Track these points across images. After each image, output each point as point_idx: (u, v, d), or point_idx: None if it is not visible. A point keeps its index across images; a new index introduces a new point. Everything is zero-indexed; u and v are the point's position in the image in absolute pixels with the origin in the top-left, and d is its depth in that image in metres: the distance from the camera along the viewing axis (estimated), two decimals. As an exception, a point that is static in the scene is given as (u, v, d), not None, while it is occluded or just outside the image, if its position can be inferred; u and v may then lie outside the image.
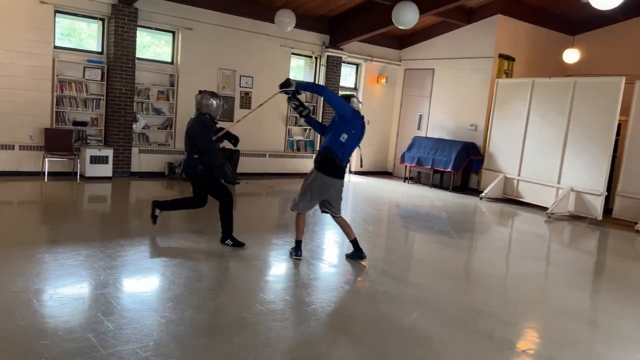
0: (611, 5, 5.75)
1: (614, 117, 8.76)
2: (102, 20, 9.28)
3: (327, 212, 5.25)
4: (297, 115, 6.63)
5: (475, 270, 5.89)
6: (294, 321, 3.78)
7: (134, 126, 9.53)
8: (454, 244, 7.01)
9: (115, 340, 3.18)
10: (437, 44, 12.48)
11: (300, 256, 5.28)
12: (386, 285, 4.78)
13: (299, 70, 12.15)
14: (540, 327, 4.29)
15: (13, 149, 8.56)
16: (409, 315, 4.07)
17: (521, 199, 10.31)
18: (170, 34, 10.10)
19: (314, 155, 5.35)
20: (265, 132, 11.42)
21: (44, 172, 8.63)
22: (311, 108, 5.30)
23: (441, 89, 12.48)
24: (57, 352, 2.97)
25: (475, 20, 11.66)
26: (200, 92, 5.56)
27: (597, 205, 8.97)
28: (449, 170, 11.29)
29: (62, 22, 9.06)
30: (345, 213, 8.50)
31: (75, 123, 9.10)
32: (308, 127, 12.15)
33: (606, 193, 8.98)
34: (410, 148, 12.28)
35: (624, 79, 8.69)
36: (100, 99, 9.27)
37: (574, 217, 9.31)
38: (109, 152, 9.04)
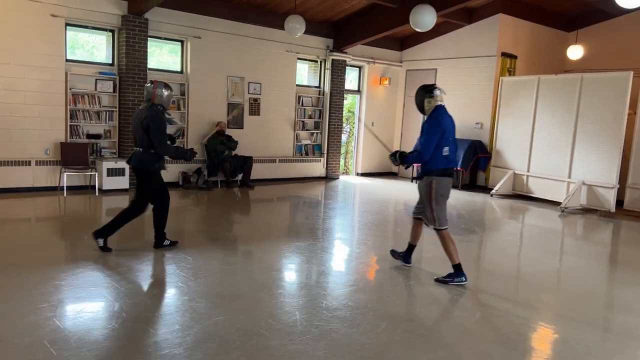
0: (636, 4, 5.89)
1: (623, 111, 8.96)
2: (112, 31, 9.23)
3: (419, 219, 5.14)
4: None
5: (518, 268, 5.98)
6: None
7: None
8: (484, 242, 7.12)
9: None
10: (439, 45, 12.61)
11: (466, 280, 4.89)
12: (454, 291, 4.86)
13: (305, 74, 12.19)
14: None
15: (29, 164, 8.47)
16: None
17: (531, 195, 10.48)
18: (179, 43, 10.08)
19: (418, 174, 5.13)
20: (274, 138, 11.45)
21: (60, 187, 8.56)
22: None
23: (445, 89, 12.51)
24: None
25: (477, 20, 11.82)
26: (152, 82, 5.37)
27: (610, 197, 9.16)
28: (457, 168, 11.41)
29: (72, 34, 8.99)
30: (367, 215, 8.62)
31: (89, 136, 9.04)
32: (315, 131, 12.22)
33: (618, 186, 9.18)
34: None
35: (631, 73, 8.89)
36: (113, 111, 9.22)
37: (586, 211, 9.49)
38: (125, 164, 8.98)
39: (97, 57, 9.38)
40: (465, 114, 12.13)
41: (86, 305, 4.03)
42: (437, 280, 4.95)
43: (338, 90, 12.20)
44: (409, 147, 12.98)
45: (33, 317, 3.68)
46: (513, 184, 10.86)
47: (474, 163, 11.54)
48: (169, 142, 5.47)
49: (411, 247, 5.36)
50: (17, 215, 7.18)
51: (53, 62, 8.53)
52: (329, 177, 12.37)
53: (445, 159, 4.83)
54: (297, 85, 11.77)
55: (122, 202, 8.53)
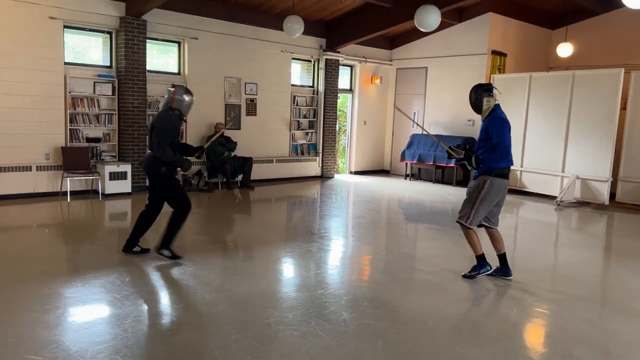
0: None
1: (615, 106, 9.28)
2: (110, 33, 9.09)
3: (483, 225, 5.02)
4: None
5: (531, 259, 6.16)
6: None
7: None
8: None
9: None
10: (429, 43, 12.79)
11: (491, 269, 5.04)
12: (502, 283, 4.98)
13: (298, 74, 12.22)
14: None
15: (30, 170, 8.29)
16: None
17: (525, 189, 10.75)
18: (175, 45, 10.00)
19: (476, 172, 4.93)
20: (271, 138, 11.45)
21: (62, 192, 8.42)
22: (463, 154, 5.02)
23: (436, 87, 12.82)
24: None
25: (467, 19, 12.04)
26: (174, 85, 5.28)
27: (604, 190, 9.48)
28: (451, 165, 11.64)
29: (70, 37, 8.82)
30: (376, 214, 8.72)
31: (89, 140, 8.90)
32: (310, 131, 12.27)
33: (611, 179, 9.50)
34: (409, 146, 12.57)
35: (622, 70, 9.22)
36: (112, 114, 9.09)
37: (580, 204, 9.80)
38: (127, 168, 8.87)
39: (95, 59, 9.22)
40: (457, 111, 12.37)
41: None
42: (464, 276, 5.07)
43: (332, 89, 12.27)
44: (400, 145, 13.21)
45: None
46: (507, 179, 11.09)
47: (467, 159, 11.75)
48: (187, 155, 5.35)
49: (501, 257, 5.10)
50: (24, 222, 7.04)
51: (52, 65, 8.37)
52: (324, 176, 12.44)
53: (508, 155, 4.79)
54: (292, 85, 11.80)
55: (126, 206, 8.47)
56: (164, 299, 4.45)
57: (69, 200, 8.28)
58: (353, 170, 13.39)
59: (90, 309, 4.06)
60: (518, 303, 4.55)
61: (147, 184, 5.37)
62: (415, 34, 12.88)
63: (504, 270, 5.09)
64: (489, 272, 5.04)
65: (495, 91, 4.92)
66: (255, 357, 3.29)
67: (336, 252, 6.12)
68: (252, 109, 11.01)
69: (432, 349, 3.54)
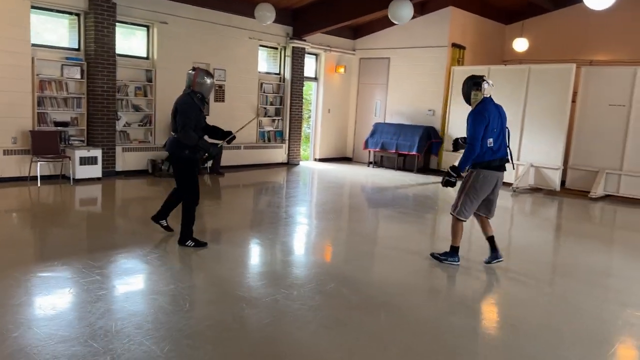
0: (605, 6, 6.62)
1: (567, 99, 9.96)
2: (78, 15, 8.90)
3: (480, 215, 5.10)
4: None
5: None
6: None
7: (117, 124, 9.30)
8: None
9: None
10: (392, 34, 13.14)
11: (458, 262, 5.11)
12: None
13: (264, 61, 12.31)
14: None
15: (-4, 154, 8.08)
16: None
17: (482, 176, 11.34)
18: (144, 29, 9.89)
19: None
20: (239, 124, 11.45)
21: (32, 177, 8.25)
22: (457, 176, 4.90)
23: (397, 77, 13.22)
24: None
25: (428, 12, 12.46)
26: (194, 69, 5.29)
27: (555, 178, 10.18)
28: (413, 153, 12.10)
29: (37, 18, 8.58)
30: (348, 199, 8.98)
31: (57, 124, 8.72)
32: (277, 118, 12.42)
33: (562, 167, 10.20)
34: (373, 134, 12.95)
35: (574, 65, 9.89)
36: (81, 98, 8.93)
37: (534, 190, 10.47)
38: (97, 153, 8.78)
39: (63, 41, 9.01)
40: (418, 101, 12.83)
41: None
42: (432, 255, 5.26)
43: (298, 77, 12.45)
44: (363, 133, 13.56)
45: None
46: (465, 167, 11.67)
47: (428, 148, 12.27)
48: (210, 139, 5.47)
49: (490, 240, 5.18)
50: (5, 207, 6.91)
51: (18, 46, 8.13)
52: (290, 163, 12.64)
53: (490, 150, 4.78)
54: (260, 72, 11.89)
55: (97, 191, 8.40)
56: (149, 280, 4.59)
57: (39, 185, 8.13)
58: (317, 157, 13.65)
59: (52, 299, 3.91)
60: (477, 277, 5.01)
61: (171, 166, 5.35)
62: (379, 25, 13.21)
63: (494, 255, 5.16)
64: (455, 264, 5.09)
65: (485, 85, 4.87)
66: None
67: (314, 235, 6.38)
68: (220, 95, 11.04)
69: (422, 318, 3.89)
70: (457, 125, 11.75)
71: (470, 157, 4.77)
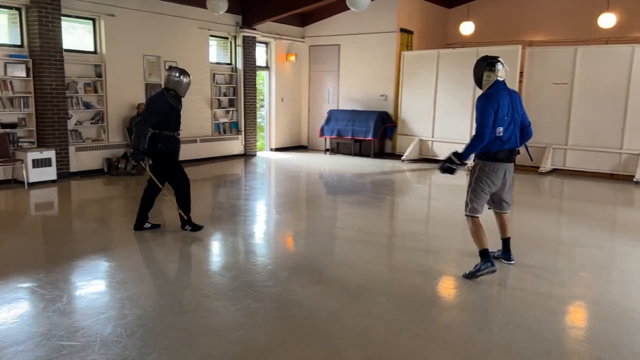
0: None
1: (514, 79, 10.38)
2: (19, 10, 8.42)
3: (496, 213, 4.71)
4: None
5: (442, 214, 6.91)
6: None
7: (68, 123, 8.91)
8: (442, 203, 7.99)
9: None
10: (341, 21, 13.21)
11: (494, 266, 4.39)
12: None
13: (215, 51, 12.10)
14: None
15: (-60, 160, 7.58)
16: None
17: (437, 158, 11.70)
18: (90, 22, 9.49)
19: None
20: (194, 117, 11.29)
21: (-19, 183, 7.80)
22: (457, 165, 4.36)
23: (349, 64, 13.32)
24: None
25: (376, -2, 12.61)
26: (170, 67, 5.60)
27: (507, 155, 10.63)
28: (369, 138, 12.30)
29: (-26, 13, 8.07)
30: (310, 187, 9.01)
31: (4, 125, 8.26)
32: (231, 109, 12.26)
33: (512, 145, 10.66)
34: (328, 121, 13.03)
35: (520, 47, 10.33)
36: (28, 97, 8.49)
37: (487, 168, 10.89)
38: (51, 154, 8.39)
39: (3, 38, 8.50)
40: (370, 87, 13.01)
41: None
42: (465, 276, 4.46)
43: (250, 66, 12.32)
44: (317, 121, 13.63)
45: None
46: (420, 149, 12.02)
47: (382, 132, 12.50)
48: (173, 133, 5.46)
49: (505, 242, 4.81)
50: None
51: (-43, 44, 7.64)
52: (247, 154, 12.54)
53: (499, 140, 4.26)
54: (211, 63, 11.69)
55: (53, 195, 8.05)
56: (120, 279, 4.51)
57: (-8, 191, 7.71)
58: (274, 147, 13.60)
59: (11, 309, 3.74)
60: (437, 252, 5.28)
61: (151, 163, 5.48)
62: (327, 12, 13.25)
63: (506, 255, 4.81)
64: (491, 269, 4.37)
65: (499, 66, 4.35)
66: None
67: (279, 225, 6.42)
68: (173, 88, 10.76)
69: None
70: (411, 108, 12.04)
71: (477, 145, 4.25)
